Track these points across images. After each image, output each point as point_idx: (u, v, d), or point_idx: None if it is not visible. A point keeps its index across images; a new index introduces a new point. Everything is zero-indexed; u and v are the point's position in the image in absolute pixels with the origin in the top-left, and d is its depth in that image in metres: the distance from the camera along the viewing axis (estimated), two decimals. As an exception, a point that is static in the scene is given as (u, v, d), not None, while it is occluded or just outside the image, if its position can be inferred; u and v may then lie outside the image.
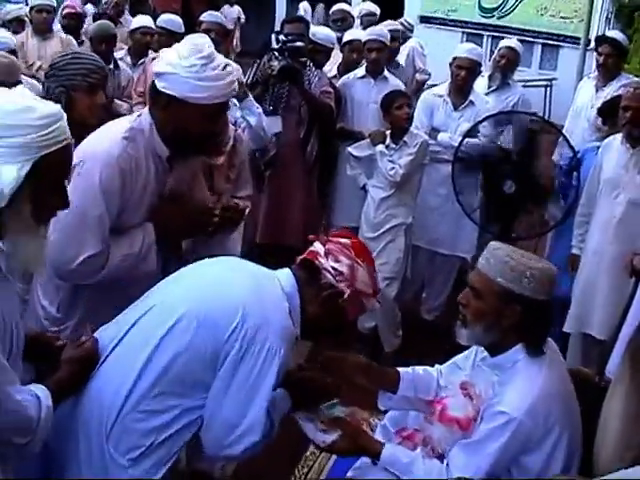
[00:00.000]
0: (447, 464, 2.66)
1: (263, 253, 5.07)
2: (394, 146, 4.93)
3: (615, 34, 6.68)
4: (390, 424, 3.14)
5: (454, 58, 5.43)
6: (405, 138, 4.91)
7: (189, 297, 2.41)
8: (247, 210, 3.57)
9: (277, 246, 5.20)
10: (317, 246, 2.60)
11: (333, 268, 2.52)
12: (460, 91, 5.43)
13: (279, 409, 2.56)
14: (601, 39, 6.57)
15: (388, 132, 5.00)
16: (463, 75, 5.36)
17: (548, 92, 12.68)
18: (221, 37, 6.00)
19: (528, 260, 2.65)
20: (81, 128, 2.78)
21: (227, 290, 2.41)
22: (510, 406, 2.56)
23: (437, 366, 3.13)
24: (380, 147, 4.94)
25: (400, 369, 3.10)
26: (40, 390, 2.12)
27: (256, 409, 2.38)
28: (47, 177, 1.93)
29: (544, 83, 12.70)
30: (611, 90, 5.85)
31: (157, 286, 2.58)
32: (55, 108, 1.96)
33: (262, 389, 2.37)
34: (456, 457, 2.67)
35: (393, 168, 4.85)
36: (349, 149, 5.21)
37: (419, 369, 3.11)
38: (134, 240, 2.82)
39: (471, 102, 5.43)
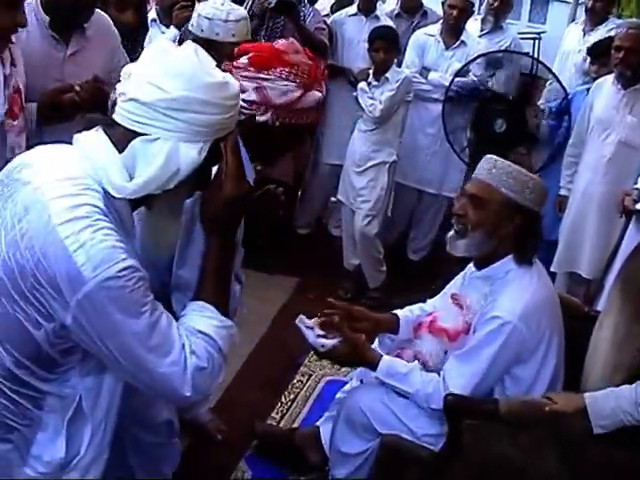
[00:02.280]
0: (443, 377, 2.67)
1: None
2: (376, 83, 4.87)
3: (607, -22, 6.58)
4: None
5: (447, -3, 5.35)
6: (387, 75, 4.83)
7: None
8: None
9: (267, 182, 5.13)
10: None
11: (244, 101, 2.28)
12: (452, 31, 5.36)
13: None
14: (592, -17, 6.48)
15: (371, 70, 4.93)
16: (455, 14, 5.29)
17: (537, 45, 12.59)
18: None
19: (525, 172, 2.70)
20: None
21: None
22: (504, 311, 2.59)
23: (429, 301, 3.12)
24: (361, 84, 4.90)
25: (399, 312, 3.09)
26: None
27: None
28: (208, 164, 1.72)
29: (533, 36, 12.61)
30: (599, 35, 5.77)
31: None
32: (238, 88, 1.75)
33: None
34: (450, 366, 2.68)
35: (372, 104, 4.80)
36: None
37: (416, 310, 3.10)
38: None
39: (463, 42, 5.37)
